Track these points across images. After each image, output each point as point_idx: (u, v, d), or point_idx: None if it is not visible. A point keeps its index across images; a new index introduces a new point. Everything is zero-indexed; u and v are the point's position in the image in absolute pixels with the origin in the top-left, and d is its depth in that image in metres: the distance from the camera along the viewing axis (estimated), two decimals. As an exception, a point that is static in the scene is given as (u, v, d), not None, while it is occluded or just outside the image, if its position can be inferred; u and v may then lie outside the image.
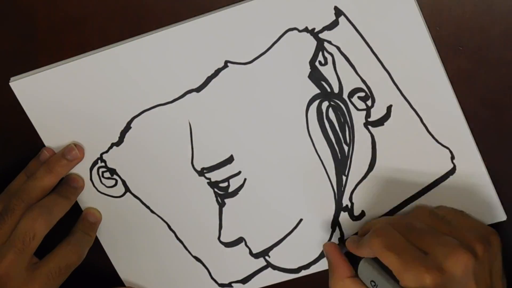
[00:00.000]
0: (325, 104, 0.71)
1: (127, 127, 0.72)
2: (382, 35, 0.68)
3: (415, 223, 0.67)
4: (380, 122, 0.71)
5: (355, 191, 0.73)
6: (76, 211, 0.75)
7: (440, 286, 0.62)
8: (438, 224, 0.67)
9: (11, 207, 0.70)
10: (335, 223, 0.74)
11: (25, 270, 0.70)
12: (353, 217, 0.73)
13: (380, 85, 0.70)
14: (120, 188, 0.74)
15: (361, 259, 0.69)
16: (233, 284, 0.77)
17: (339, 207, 0.73)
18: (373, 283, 0.67)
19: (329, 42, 0.69)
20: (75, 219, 0.75)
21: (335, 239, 0.74)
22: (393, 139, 0.71)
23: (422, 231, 0.66)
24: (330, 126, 0.71)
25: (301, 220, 0.74)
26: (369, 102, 0.70)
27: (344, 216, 0.73)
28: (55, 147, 0.73)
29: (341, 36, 0.69)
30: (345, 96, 0.70)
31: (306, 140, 0.72)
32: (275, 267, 0.76)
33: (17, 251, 0.69)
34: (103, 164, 0.74)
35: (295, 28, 0.69)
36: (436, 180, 0.72)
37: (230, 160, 0.73)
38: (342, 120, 0.71)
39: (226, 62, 0.70)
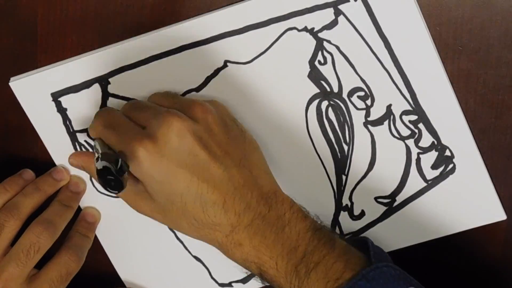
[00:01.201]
0: (324, 104, 0.71)
1: (127, 127, 0.72)
2: (382, 35, 0.68)
3: (140, 101, 0.67)
4: (379, 121, 0.71)
5: (355, 191, 0.73)
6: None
7: (156, 155, 0.61)
8: (163, 100, 0.67)
9: (0, 222, 0.70)
10: (335, 223, 0.74)
11: (25, 282, 0.70)
12: (353, 217, 0.73)
13: (379, 84, 0.70)
14: (120, 188, 0.74)
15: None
16: (233, 284, 0.77)
17: (339, 207, 0.73)
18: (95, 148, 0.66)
19: (329, 42, 0.69)
20: (74, 218, 0.74)
21: (335, 239, 0.74)
22: (393, 139, 0.71)
23: (143, 107, 0.66)
24: (329, 126, 0.71)
25: (301, 219, 0.74)
26: (368, 102, 0.70)
27: (344, 216, 0.73)
28: (55, 147, 0.73)
29: (340, 35, 0.69)
30: (344, 95, 0.70)
31: (305, 140, 0.72)
32: (275, 267, 0.76)
33: (20, 264, 0.69)
34: (103, 164, 0.74)
35: (294, 28, 0.69)
36: (436, 179, 0.72)
37: (230, 159, 0.73)
38: (341, 119, 0.71)
39: (226, 62, 0.70)
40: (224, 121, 0.65)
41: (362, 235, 0.73)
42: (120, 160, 0.61)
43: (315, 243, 0.62)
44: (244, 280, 0.76)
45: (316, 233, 0.63)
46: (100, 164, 0.61)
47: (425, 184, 0.72)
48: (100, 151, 0.64)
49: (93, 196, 0.75)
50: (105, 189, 0.61)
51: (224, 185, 0.62)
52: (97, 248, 0.76)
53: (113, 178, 0.60)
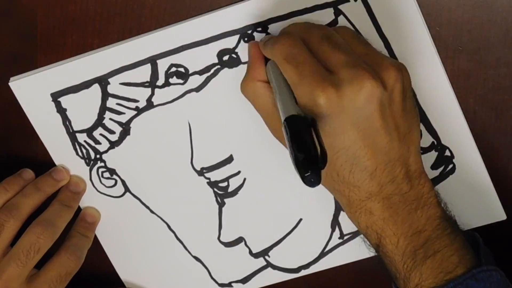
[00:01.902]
0: (325, 104, 0.70)
1: (127, 127, 0.72)
2: (382, 35, 0.68)
3: (333, 36, 0.62)
4: (380, 121, 0.70)
5: (355, 191, 0.73)
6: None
7: (337, 109, 0.59)
8: (355, 44, 0.63)
9: (0, 222, 0.70)
10: (335, 223, 0.74)
11: (25, 282, 0.70)
12: (353, 217, 0.73)
13: (379, 84, 0.69)
14: (119, 188, 0.74)
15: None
16: (233, 284, 0.77)
17: (339, 207, 0.73)
18: (274, 89, 0.63)
19: (329, 42, 0.69)
20: (74, 218, 0.74)
21: (335, 239, 0.74)
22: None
23: (336, 46, 0.61)
24: (330, 126, 0.71)
25: (300, 219, 0.74)
26: (369, 102, 0.70)
27: (344, 216, 0.73)
28: (55, 147, 0.73)
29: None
30: (345, 95, 0.70)
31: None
32: (275, 267, 0.76)
33: (20, 264, 0.69)
34: (102, 164, 0.74)
35: (294, 28, 0.69)
36: (436, 179, 0.72)
37: (229, 160, 0.73)
38: (342, 119, 0.71)
39: (225, 62, 0.70)
40: (406, 92, 0.62)
41: (361, 235, 0.73)
42: (319, 151, 0.56)
43: (439, 232, 0.62)
44: (244, 280, 0.77)
45: (443, 222, 0.63)
46: (299, 156, 0.56)
47: (425, 184, 0.72)
48: (275, 86, 0.61)
49: (93, 197, 0.75)
50: (304, 181, 0.56)
51: (381, 155, 0.61)
52: (97, 248, 0.76)
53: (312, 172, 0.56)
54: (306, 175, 0.56)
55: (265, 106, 0.65)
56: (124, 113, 0.72)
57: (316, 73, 0.60)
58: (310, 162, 0.56)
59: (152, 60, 0.70)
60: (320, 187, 0.71)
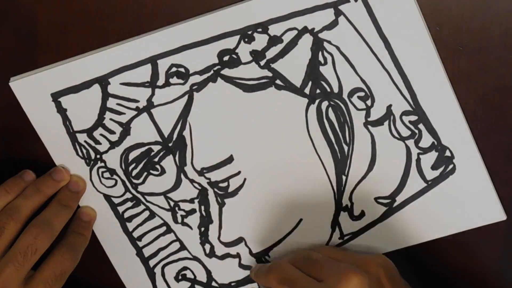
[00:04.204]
0: (324, 104, 0.71)
1: (127, 127, 0.72)
2: (382, 35, 0.68)
3: (312, 254, 0.69)
4: (380, 121, 0.71)
5: (355, 191, 0.73)
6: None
7: None
8: (333, 252, 0.70)
9: (0, 225, 0.70)
10: (335, 223, 0.74)
11: (22, 283, 0.70)
12: (353, 217, 0.73)
13: (379, 85, 0.70)
14: (119, 188, 0.74)
15: None
16: (233, 284, 0.77)
17: (339, 207, 0.73)
18: None
19: (329, 42, 0.69)
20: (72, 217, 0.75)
21: (335, 239, 0.74)
22: (393, 139, 0.71)
23: (318, 260, 0.68)
24: (330, 126, 0.71)
25: (301, 220, 0.74)
26: (368, 102, 0.70)
27: (344, 216, 0.73)
28: (55, 147, 0.73)
29: (340, 36, 0.69)
30: (344, 96, 0.70)
31: (306, 140, 0.72)
32: (275, 267, 0.76)
33: (17, 265, 0.69)
34: (103, 164, 0.74)
35: (294, 28, 0.69)
36: (436, 179, 0.72)
37: (230, 160, 0.73)
38: (342, 119, 0.71)
39: (225, 62, 0.70)
40: (393, 278, 0.67)
41: (362, 235, 0.73)
42: None
43: None
44: (244, 281, 0.76)
45: None
46: None
47: (425, 185, 0.72)
48: None
49: (93, 197, 0.75)
50: None
51: None
52: (97, 248, 0.76)
53: None
54: None
55: None
56: (124, 113, 0.72)
57: (310, 284, 0.66)
58: None
59: (153, 60, 0.70)
60: (322, 187, 0.72)
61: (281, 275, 0.68)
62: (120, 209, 0.75)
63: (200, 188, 0.73)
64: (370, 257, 0.68)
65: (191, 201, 0.74)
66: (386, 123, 0.71)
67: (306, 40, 0.69)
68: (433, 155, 0.71)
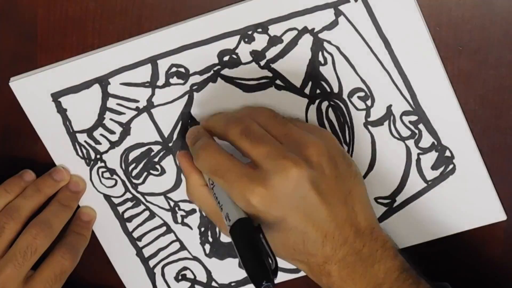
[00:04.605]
0: (325, 104, 0.71)
1: (127, 128, 0.72)
2: (382, 35, 0.68)
3: (251, 128, 0.64)
4: (380, 121, 0.71)
5: (355, 191, 0.73)
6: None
7: (269, 202, 0.61)
8: (274, 126, 0.65)
9: (0, 225, 0.70)
10: (335, 223, 0.74)
11: (22, 283, 0.70)
12: (353, 217, 0.73)
13: (379, 85, 0.70)
14: (119, 188, 0.74)
15: None
16: (232, 284, 0.77)
17: (339, 207, 0.73)
18: (215, 196, 0.65)
19: (329, 42, 0.69)
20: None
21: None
22: (393, 139, 0.71)
23: (255, 139, 0.63)
24: (330, 126, 0.71)
25: (301, 220, 0.74)
26: (368, 102, 0.70)
27: (344, 216, 0.73)
28: (55, 147, 0.73)
29: (341, 36, 0.69)
30: (345, 96, 0.70)
31: (306, 140, 0.72)
32: (275, 267, 0.76)
33: (17, 265, 0.69)
34: (103, 164, 0.74)
35: (294, 28, 0.69)
36: (436, 179, 0.72)
37: (230, 160, 0.73)
38: (342, 120, 0.71)
39: (225, 62, 0.70)
40: (334, 158, 0.64)
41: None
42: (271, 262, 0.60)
43: (400, 283, 0.63)
44: (244, 281, 0.76)
45: (403, 273, 0.64)
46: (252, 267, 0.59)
47: (425, 185, 0.72)
48: (215, 193, 0.65)
49: (93, 197, 0.75)
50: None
51: (327, 223, 0.62)
52: (96, 248, 0.76)
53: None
54: (263, 285, 0.58)
55: (213, 209, 0.67)
56: (124, 113, 0.72)
57: (242, 176, 0.62)
58: (264, 272, 0.58)
59: (153, 60, 0.70)
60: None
61: (211, 164, 0.63)
62: (120, 209, 0.75)
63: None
64: (314, 141, 0.63)
65: (191, 201, 0.74)
66: (386, 123, 0.71)
67: (306, 40, 0.69)
68: (433, 155, 0.71)
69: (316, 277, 0.65)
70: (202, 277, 0.77)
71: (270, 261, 0.60)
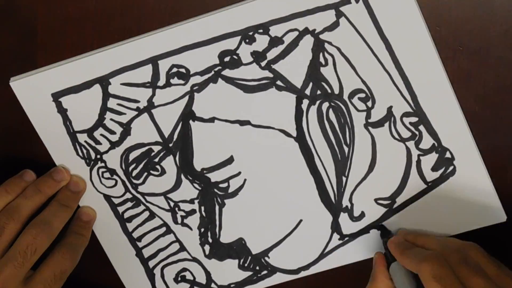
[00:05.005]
0: (325, 105, 0.71)
1: (127, 128, 0.72)
2: (383, 36, 0.68)
3: (470, 259, 0.66)
4: (380, 123, 0.71)
5: (355, 192, 0.73)
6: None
7: None
8: (487, 265, 0.66)
9: (0, 225, 0.70)
10: (335, 224, 0.74)
11: (21, 283, 0.69)
12: (353, 218, 0.73)
13: (380, 86, 0.70)
14: (120, 188, 0.74)
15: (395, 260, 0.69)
16: (232, 286, 0.76)
17: (339, 208, 0.73)
18: None
19: (330, 43, 0.69)
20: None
21: (334, 240, 0.74)
22: (393, 141, 0.71)
23: (474, 270, 0.65)
24: (330, 127, 0.71)
25: (300, 221, 0.74)
26: (369, 103, 0.70)
27: (344, 217, 0.73)
28: (55, 147, 0.73)
29: (341, 37, 0.69)
30: (345, 97, 0.70)
31: (306, 141, 0.72)
32: (274, 268, 0.76)
33: (17, 265, 0.69)
34: (103, 164, 0.74)
35: (295, 29, 0.69)
36: (436, 181, 0.72)
37: (230, 160, 0.73)
38: (342, 121, 0.71)
39: (226, 63, 0.70)
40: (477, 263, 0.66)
41: (362, 236, 0.74)
42: None
43: None
44: (243, 283, 0.76)
45: None
46: None
47: (425, 186, 0.72)
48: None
49: (93, 197, 0.75)
50: None
51: None
52: (96, 249, 0.76)
53: None
54: None
55: None
56: (125, 114, 0.72)
57: None
58: None
59: (153, 61, 0.70)
60: (322, 188, 0.72)
61: (438, 272, 0.64)
62: (120, 209, 0.75)
63: (200, 188, 0.73)
64: (479, 276, 0.64)
65: (191, 201, 0.74)
66: (387, 124, 0.71)
67: (307, 41, 0.69)
68: (433, 157, 0.71)
69: None
70: (201, 278, 0.76)
71: None
